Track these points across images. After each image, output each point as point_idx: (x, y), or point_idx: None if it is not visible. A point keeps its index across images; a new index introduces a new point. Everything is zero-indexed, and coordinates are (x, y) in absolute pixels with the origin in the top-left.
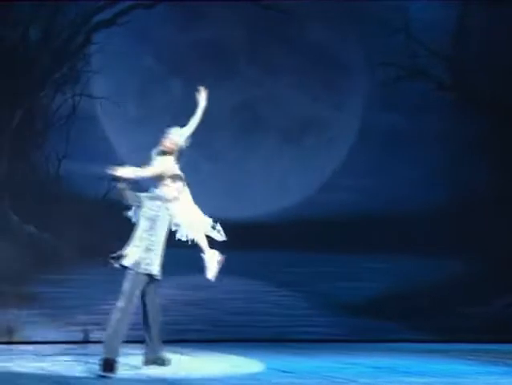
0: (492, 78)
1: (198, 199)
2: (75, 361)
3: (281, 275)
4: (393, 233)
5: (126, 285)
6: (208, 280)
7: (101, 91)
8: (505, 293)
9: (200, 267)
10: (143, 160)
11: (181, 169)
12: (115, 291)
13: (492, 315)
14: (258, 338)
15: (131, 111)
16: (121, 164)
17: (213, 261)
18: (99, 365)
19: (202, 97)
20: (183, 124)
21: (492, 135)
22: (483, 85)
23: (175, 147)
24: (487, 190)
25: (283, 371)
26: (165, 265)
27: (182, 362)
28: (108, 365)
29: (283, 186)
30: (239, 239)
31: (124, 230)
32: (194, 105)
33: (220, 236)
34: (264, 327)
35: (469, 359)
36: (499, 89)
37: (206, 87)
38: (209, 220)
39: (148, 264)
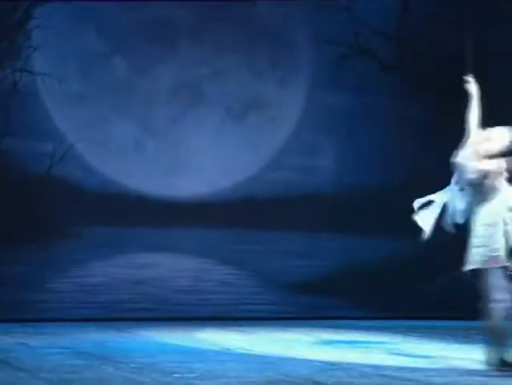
0: (437, 58)
1: (143, 176)
2: (15, 340)
3: (227, 253)
4: (339, 212)
5: None
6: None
7: (42, 67)
8: (449, 269)
9: (145, 245)
10: None
11: (123, 144)
12: (57, 269)
13: (435, 292)
14: (204, 317)
15: (73, 88)
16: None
17: None
18: None
19: (472, 86)
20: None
21: (437, 115)
22: (428, 65)
23: None
24: (432, 170)
25: (226, 349)
26: (112, 244)
27: None
28: None
29: (229, 164)
30: (185, 217)
31: (66, 206)
32: (137, 83)
33: None
34: (211, 305)
35: (409, 335)
36: (444, 70)
37: (149, 65)
38: None
39: None
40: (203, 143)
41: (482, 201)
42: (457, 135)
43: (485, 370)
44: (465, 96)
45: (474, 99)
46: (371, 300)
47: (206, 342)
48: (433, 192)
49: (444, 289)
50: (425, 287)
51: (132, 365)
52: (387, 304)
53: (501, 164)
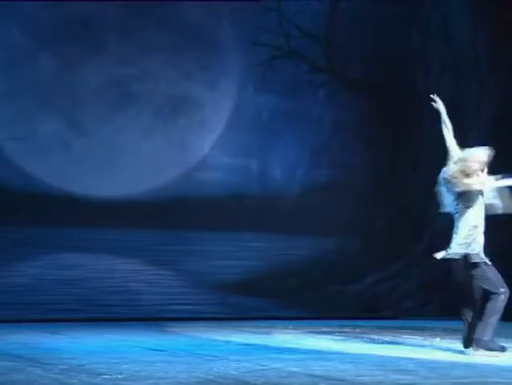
0: (365, 60)
1: (68, 176)
2: None
3: (154, 253)
4: (266, 212)
5: None
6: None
7: None
8: (375, 271)
9: (71, 246)
10: None
11: (50, 143)
12: None
13: (362, 292)
14: (130, 317)
15: None
16: None
17: None
18: None
19: (440, 106)
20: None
21: (364, 115)
22: (356, 67)
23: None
24: (361, 171)
25: (155, 350)
26: (37, 245)
27: None
28: None
29: (156, 164)
30: (112, 217)
31: None
32: (64, 81)
33: None
34: (136, 306)
35: (337, 335)
36: (372, 72)
37: (77, 63)
38: None
39: None
40: (131, 143)
41: (467, 207)
42: (383, 134)
43: (411, 369)
44: (391, 96)
45: (444, 116)
46: (300, 300)
47: (134, 342)
48: (362, 192)
49: (371, 290)
50: (354, 287)
51: (61, 366)
52: (315, 304)
53: (482, 179)
